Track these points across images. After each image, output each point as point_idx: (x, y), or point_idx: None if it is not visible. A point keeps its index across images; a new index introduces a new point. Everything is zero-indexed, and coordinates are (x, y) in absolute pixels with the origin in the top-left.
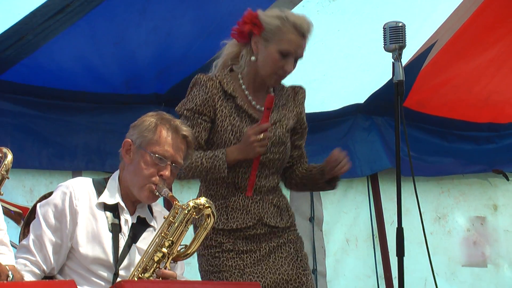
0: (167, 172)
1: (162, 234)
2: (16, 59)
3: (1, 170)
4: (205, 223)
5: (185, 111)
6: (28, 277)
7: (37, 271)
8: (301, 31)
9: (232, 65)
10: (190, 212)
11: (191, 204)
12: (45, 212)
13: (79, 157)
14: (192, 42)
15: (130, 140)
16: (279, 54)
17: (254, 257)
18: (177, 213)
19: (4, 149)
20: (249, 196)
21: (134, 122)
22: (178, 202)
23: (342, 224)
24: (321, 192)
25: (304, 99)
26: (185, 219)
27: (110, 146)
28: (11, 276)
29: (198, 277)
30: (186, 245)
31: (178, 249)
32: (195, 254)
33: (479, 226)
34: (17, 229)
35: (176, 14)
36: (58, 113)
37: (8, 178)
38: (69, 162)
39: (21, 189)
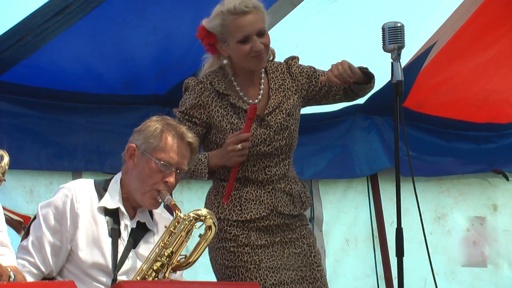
0: (172, 179)
1: (162, 244)
2: (16, 60)
3: None
4: (206, 234)
5: (177, 113)
6: (27, 277)
7: (35, 271)
8: (240, 11)
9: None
10: (191, 222)
11: (192, 214)
12: (46, 214)
13: (79, 158)
14: (191, 43)
15: (134, 145)
16: (240, 43)
17: (269, 252)
18: (178, 223)
19: (1, 151)
20: (225, 203)
21: (138, 127)
22: (180, 211)
23: (342, 224)
24: (321, 193)
25: (299, 66)
26: (186, 229)
27: (109, 146)
28: (13, 277)
29: (197, 277)
30: (186, 255)
31: (178, 259)
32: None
33: (479, 226)
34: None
35: (176, 15)
36: (57, 114)
37: (4, 180)
38: (68, 163)
39: (21, 190)
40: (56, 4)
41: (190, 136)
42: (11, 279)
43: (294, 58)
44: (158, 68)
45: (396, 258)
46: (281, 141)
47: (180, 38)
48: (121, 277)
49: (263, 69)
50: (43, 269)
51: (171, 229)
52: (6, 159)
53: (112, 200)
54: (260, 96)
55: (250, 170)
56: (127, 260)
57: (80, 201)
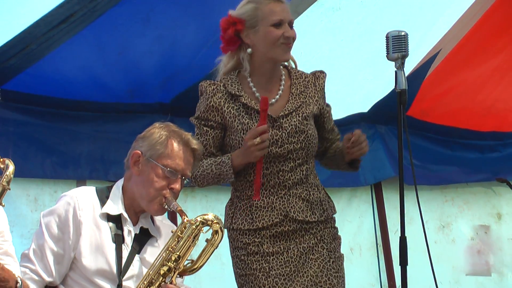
0: (178, 186)
1: (170, 249)
2: (20, 68)
3: (2, 181)
4: (213, 239)
5: (193, 120)
6: (29, 285)
7: (36, 278)
8: None
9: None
10: (198, 227)
11: (199, 219)
12: (48, 222)
13: (83, 166)
14: (196, 51)
15: (139, 151)
16: (273, 27)
17: (281, 259)
18: (185, 228)
19: (6, 160)
20: (257, 200)
21: (141, 134)
22: (187, 216)
23: (346, 232)
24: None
25: (325, 83)
26: (193, 234)
27: (114, 155)
28: (20, 283)
29: (201, 286)
30: (192, 260)
31: (185, 263)
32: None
33: (483, 234)
34: (21, 238)
35: (180, 24)
36: (62, 122)
37: (9, 189)
38: (73, 171)
39: (25, 198)
40: (60, 12)
41: (195, 143)
42: (19, 285)
43: (323, 72)
44: (163, 77)
45: (400, 267)
46: (295, 144)
47: (185, 46)
48: (126, 283)
49: (286, 73)
50: (44, 276)
51: (178, 233)
52: (11, 168)
53: (115, 206)
54: (277, 96)
55: (262, 174)
56: (131, 265)
57: (83, 209)
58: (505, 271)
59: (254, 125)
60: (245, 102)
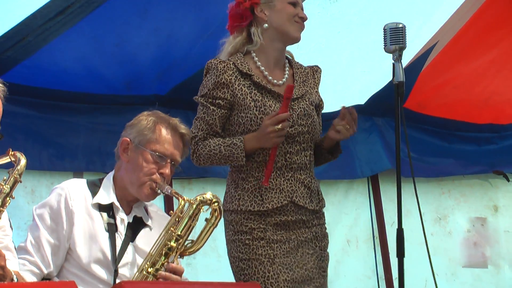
0: (167, 170)
1: (171, 229)
2: (17, 60)
3: (14, 173)
4: (213, 218)
5: (199, 98)
6: (28, 276)
7: (36, 270)
8: None
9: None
10: (198, 206)
11: (199, 198)
12: (41, 214)
13: (80, 158)
14: (193, 43)
15: (128, 139)
16: (290, 4)
17: (284, 248)
18: (184, 208)
19: (18, 154)
20: (265, 185)
21: (130, 122)
22: (183, 197)
23: (343, 225)
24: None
25: (320, 78)
26: (193, 213)
27: (111, 147)
28: (15, 280)
29: (199, 278)
30: (192, 240)
31: (185, 243)
32: (200, 252)
33: (480, 227)
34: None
35: (177, 16)
36: (58, 114)
37: (20, 181)
38: (69, 163)
39: (22, 190)
40: (57, 4)
41: (183, 128)
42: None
43: (319, 68)
44: (160, 69)
45: (396, 259)
46: (303, 127)
47: (182, 38)
48: (121, 270)
49: (287, 60)
50: (43, 268)
51: (178, 214)
52: (23, 161)
53: (106, 196)
54: (284, 79)
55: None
56: (125, 253)
57: (74, 199)
58: (501, 263)
59: (267, 102)
60: (257, 80)
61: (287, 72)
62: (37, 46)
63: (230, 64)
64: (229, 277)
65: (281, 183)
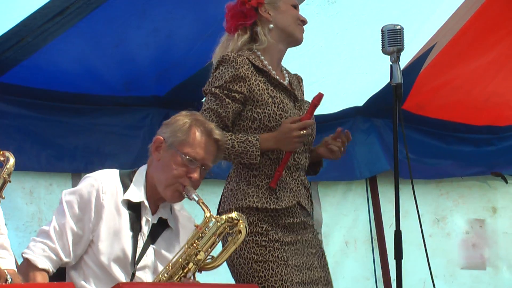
0: (196, 174)
1: (194, 244)
2: (16, 61)
3: (3, 173)
4: (236, 238)
5: (213, 89)
6: (45, 263)
7: (54, 257)
8: None
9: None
10: (223, 225)
11: (224, 217)
12: (70, 201)
13: (79, 159)
14: (192, 44)
15: (161, 137)
16: (292, 7)
17: (293, 250)
18: (209, 224)
19: (7, 153)
20: (273, 187)
21: (167, 120)
22: (209, 210)
23: (341, 226)
24: (320, 195)
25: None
26: (218, 231)
27: (109, 147)
28: (9, 280)
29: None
30: (213, 256)
31: (206, 260)
32: None
33: (478, 228)
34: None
35: (176, 16)
36: (57, 115)
37: (10, 181)
38: (68, 164)
39: (21, 191)
40: (56, 5)
41: (218, 133)
42: (8, 282)
43: (300, 76)
44: (159, 69)
45: (395, 260)
46: (308, 129)
47: (181, 39)
48: (138, 273)
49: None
50: (62, 256)
51: (203, 228)
52: (12, 160)
53: (137, 193)
54: (286, 81)
55: (284, 153)
56: (145, 256)
57: (106, 192)
58: (500, 265)
59: (284, 101)
60: (274, 77)
61: (286, 74)
62: (36, 47)
63: (245, 59)
64: (227, 279)
65: (290, 182)
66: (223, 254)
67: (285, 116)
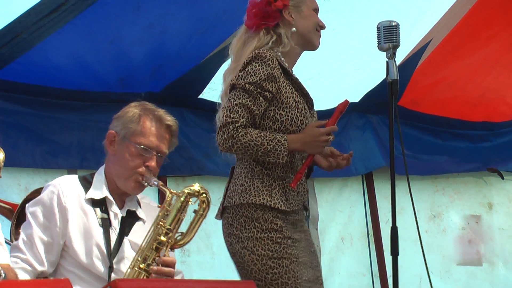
0: (153, 163)
1: (160, 223)
2: (11, 57)
3: None
4: (201, 210)
5: (247, 85)
6: (20, 274)
7: (28, 268)
8: None
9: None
10: (186, 199)
11: (186, 191)
12: (34, 212)
13: (74, 155)
14: (186, 40)
15: (114, 131)
16: (314, 11)
17: (301, 247)
18: (172, 201)
19: None
20: (292, 188)
21: (117, 114)
22: (169, 190)
23: (337, 222)
24: (316, 191)
25: None
26: (182, 206)
27: None
28: (3, 275)
29: (193, 275)
30: (182, 233)
31: (176, 236)
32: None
33: (474, 224)
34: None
35: (171, 12)
36: (52, 111)
37: (0, 177)
38: (63, 160)
39: (16, 188)
40: (51, 1)
41: (169, 119)
42: (1, 278)
43: None
44: (153, 66)
45: (391, 256)
46: None
47: (176, 35)
48: (117, 265)
49: None
50: (35, 265)
51: (166, 207)
52: (1, 155)
53: (98, 190)
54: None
55: (295, 157)
56: (120, 248)
57: (67, 195)
58: (496, 260)
59: (305, 106)
60: (296, 80)
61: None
62: (31, 44)
63: (275, 58)
64: (223, 275)
65: (298, 186)
66: (192, 229)
67: (305, 122)
